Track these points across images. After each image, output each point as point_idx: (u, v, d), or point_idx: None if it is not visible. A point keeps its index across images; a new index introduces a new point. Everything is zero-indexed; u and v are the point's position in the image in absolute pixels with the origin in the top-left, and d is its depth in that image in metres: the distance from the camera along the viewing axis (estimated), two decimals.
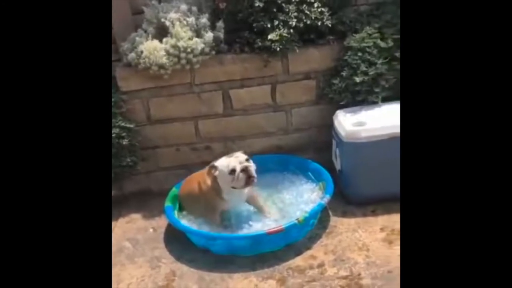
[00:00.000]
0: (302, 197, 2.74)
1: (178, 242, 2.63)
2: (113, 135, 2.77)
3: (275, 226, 2.43)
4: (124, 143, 2.83)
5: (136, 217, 2.93)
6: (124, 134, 2.84)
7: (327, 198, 2.57)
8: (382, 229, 2.54)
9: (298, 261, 2.40)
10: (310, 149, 3.07)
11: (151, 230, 2.80)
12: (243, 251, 2.46)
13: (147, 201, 3.04)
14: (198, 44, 2.75)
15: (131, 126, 2.88)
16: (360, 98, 2.81)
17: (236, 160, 2.47)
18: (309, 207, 2.57)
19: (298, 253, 2.45)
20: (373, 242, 2.45)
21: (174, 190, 2.82)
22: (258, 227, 2.53)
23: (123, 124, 2.84)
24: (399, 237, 2.46)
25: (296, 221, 2.41)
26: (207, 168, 2.58)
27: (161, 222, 2.82)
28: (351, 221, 2.64)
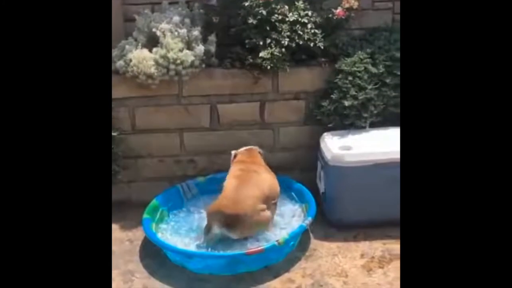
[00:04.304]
0: (284, 218, 2.70)
1: (153, 257, 2.57)
2: None
3: (254, 246, 2.38)
4: None
5: (113, 227, 2.84)
6: None
7: (309, 220, 2.53)
8: (362, 256, 2.51)
9: (275, 283, 2.35)
10: (295, 169, 3.04)
11: (127, 242, 2.73)
12: (220, 270, 2.41)
13: (126, 212, 2.96)
14: (188, 56, 2.72)
15: (115, 134, 2.83)
16: (348, 122, 2.80)
17: None
18: (290, 229, 2.53)
19: (276, 275, 2.40)
20: (352, 269, 2.42)
21: (154, 202, 2.76)
22: (237, 246, 2.48)
23: None
24: (378, 264, 2.44)
25: (276, 243, 2.37)
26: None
27: (138, 234, 2.75)
28: (332, 245, 2.60)
